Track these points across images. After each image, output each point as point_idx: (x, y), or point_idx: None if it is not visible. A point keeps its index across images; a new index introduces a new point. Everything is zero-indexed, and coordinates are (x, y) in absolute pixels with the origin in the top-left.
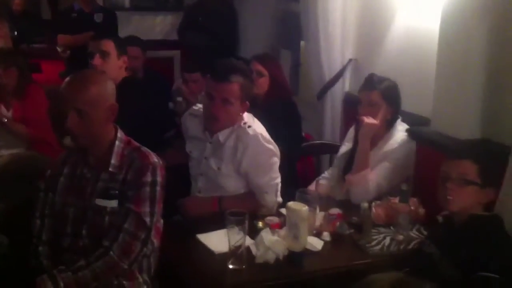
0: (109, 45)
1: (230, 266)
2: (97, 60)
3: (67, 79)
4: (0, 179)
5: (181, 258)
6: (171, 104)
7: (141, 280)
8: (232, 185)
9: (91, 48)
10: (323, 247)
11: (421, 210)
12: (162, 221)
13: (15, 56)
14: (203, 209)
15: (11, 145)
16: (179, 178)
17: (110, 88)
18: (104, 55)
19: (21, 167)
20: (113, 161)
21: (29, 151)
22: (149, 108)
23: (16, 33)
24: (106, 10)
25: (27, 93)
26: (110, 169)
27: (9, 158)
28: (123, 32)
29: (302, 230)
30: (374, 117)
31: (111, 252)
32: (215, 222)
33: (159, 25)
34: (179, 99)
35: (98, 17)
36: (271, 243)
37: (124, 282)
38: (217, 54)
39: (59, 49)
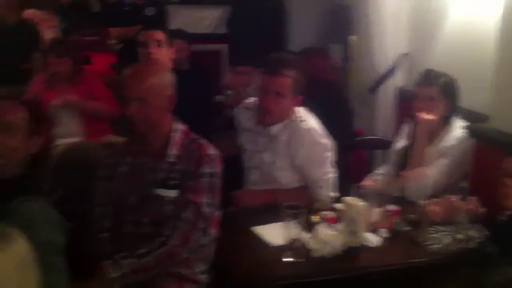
0: (161, 35)
1: (287, 259)
2: (153, 48)
3: (129, 69)
4: (58, 168)
5: (235, 249)
6: (219, 97)
7: (198, 269)
8: (286, 178)
9: (143, 38)
10: (380, 243)
11: (481, 209)
12: (219, 212)
13: (66, 45)
14: (258, 201)
15: (69, 134)
16: (231, 170)
17: (169, 79)
18: (158, 44)
19: (78, 156)
20: (171, 151)
21: (85, 141)
22: (194, 100)
23: (65, 25)
24: (157, 3)
25: (82, 79)
26: (169, 159)
27: (67, 147)
28: (171, 25)
29: (360, 225)
30: (431, 112)
31: (171, 241)
32: (268, 215)
33: (207, 19)
34: (229, 92)
35: (149, 11)
36: (328, 237)
37: (182, 270)
38: (265, 47)
39: (111, 42)
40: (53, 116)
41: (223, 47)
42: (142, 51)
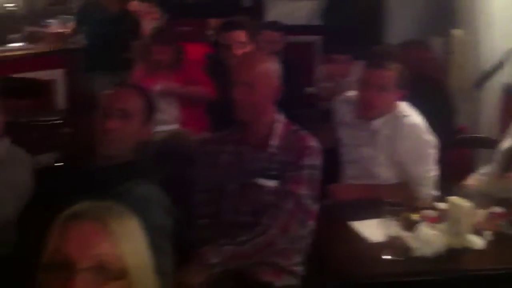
0: (243, 37)
1: (386, 256)
2: (237, 50)
3: (242, 54)
4: (158, 154)
5: (331, 242)
6: (311, 89)
7: (295, 260)
8: (385, 174)
9: (225, 40)
10: (485, 246)
11: None
12: (317, 205)
13: (169, 34)
14: (355, 196)
15: (167, 121)
16: (326, 163)
17: (277, 69)
18: (241, 46)
19: (177, 144)
20: (272, 141)
21: (185, 128)
22: (286, 92)
23: (165, 16)
24: None
25: (182, 67)
26: (270, 149)
27: (168, 134)
28: (267, 17)
29: (464, 226)
30: None
31: (271, 230)
32: (365, 210)
33: (303, 10)
34: (324, 84)
35: (247, 2)
36: (430, 237)
37: (280, 261)
38: (362, 39)
39: (210, 33)
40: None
41: (316, 39)
42: (226, 53)
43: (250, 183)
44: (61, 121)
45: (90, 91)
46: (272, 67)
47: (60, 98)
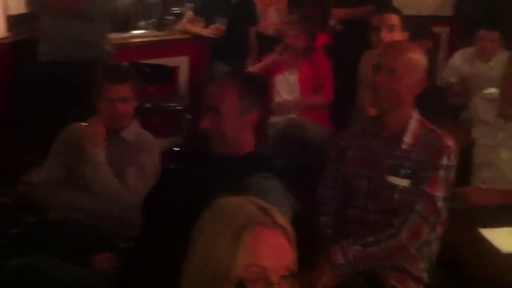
0: (396, 19)
1: None
2: (385, 34)
3: (387, 43)
4: (278, 140)
5: (460, 249)
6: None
7: (422, 266)
8: None
9: (376, 22)
10: None
11: None
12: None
13: (310, 22)
14: (491, 201)
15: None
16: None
17: (424, 63)
18: (391, 28)
19: (297, 132)
20: (407, 139)
21: (303, 117)
22: None
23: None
24: None
25: (312, 56)
26: (403, 146)
27: (287, 121)
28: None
29: None
30: None
31: (402, 233)
32: (500, 216)
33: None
34: (454, 79)
35: None
36: None
37: (407, 265)
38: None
39: (332, 23)
40: (275, 89)
41: (443, 30)
42: (374, 35)
43: (380, 181)
44: (182, 108)
45: (211, 79)
46: (419, 58)
47: (183, 85)
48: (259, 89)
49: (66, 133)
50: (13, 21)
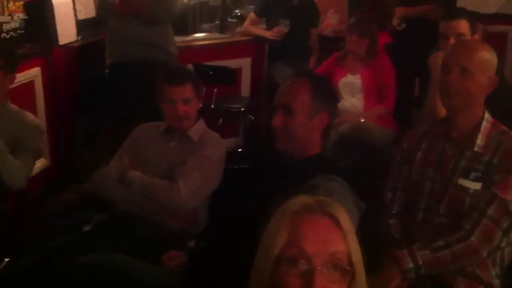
0: (464, 26)
1: None
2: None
3: (456, 42)
4: (338, 143)
5: None
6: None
7: (493, 272)
8: None
9: (444, 30)
10: None
11: None
12: None
13: (369, 26)
14: None
15: (350, 112)
16: None
17: (495, 61)
18: (460, 36)
19: (360, 135)
20: (479, 141)
21: (366, 122)
22: None
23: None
24: None
25: (376, 61)
26: (475, 149)
27: (350, 125)
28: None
29: None
30: None
31: (472, 237)
32: None
33: None
34: None
35: None
36: None
37: (478, 271)
38: None
39: (394, 22)
40: (338, 93)
41: (509, 29)
42: (442, 42)
43: (449, 183)
44: (245, 108)
45: (272, 80)
46: (490, 56)
47: (246, 86)
48: (330, 92)
49: (135, 133)
50: (82, 26)
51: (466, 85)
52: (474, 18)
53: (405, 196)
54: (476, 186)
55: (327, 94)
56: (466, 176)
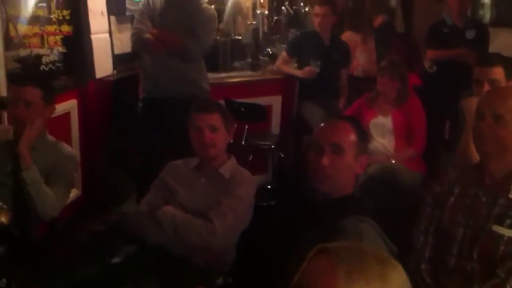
0: (499, 72)
1: None
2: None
3: (491, 88)
4: (367, 184)
5: None
6: None
7: None
8: None
9: (478, 76)
10: None
11: None
12: None
13: (400, 69)
14: None
15: (379, 153)
16: None
17: None
18: (494, 83)
19: (388, 176)
20: None
21: (395, 163)
22: None
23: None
24: (479, 25)
25: (407, 103)
26: (510, 196)
27: (379, 166)
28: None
29: None
30: None
31: (508, 285)
32: None
33: None
34: None
35: (470, 34)
36: None
37: None
38: None
39: (426, 65)
40: (369, 134)
41: None
42: (476, 88)
43: (484, 229)
44: (274, 146)
45: (302, 119)
46: None
47: (276, 123)
48: (365, 134)
49: (166, 169)
50: (118, 60)
51: (500, 133)
52: (510, 64)
53: (437, 241)
54: (510, 233)
55: (366, 138)
56: (500, 223)
